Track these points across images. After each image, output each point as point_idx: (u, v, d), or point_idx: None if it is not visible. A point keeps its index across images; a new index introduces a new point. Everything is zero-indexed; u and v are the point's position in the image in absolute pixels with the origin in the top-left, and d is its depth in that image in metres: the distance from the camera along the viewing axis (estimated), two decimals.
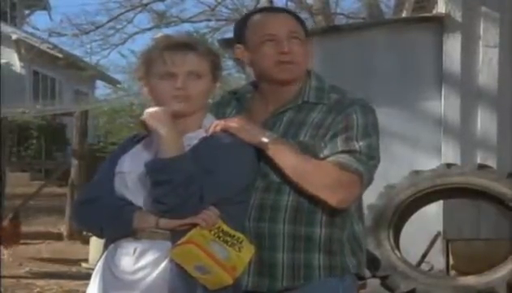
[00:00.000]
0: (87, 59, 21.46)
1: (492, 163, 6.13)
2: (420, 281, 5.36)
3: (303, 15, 14.04)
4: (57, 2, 36.75)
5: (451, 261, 5.75)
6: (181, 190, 2.18)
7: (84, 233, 8.58)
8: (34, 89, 20.69)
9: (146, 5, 18.12)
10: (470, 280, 5.35)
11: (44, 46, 19.93)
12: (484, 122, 6.40)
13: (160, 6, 18.42)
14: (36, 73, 21.00)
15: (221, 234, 2.21)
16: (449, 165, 5.89)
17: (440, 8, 6.72)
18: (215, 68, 2.38)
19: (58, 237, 10.85)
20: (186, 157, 2.23)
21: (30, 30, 22.29)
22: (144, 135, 2.38)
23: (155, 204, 2.22)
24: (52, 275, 7.96)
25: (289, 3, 16.93)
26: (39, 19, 44.82)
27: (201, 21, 18.52)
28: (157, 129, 2.25)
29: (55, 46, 20.39)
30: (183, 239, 2.19)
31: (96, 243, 7.43)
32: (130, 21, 18.38)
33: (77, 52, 20.77)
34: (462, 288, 5.32)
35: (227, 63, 15.76)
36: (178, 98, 2.30)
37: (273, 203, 2.37)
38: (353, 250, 2.44)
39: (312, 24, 15.92)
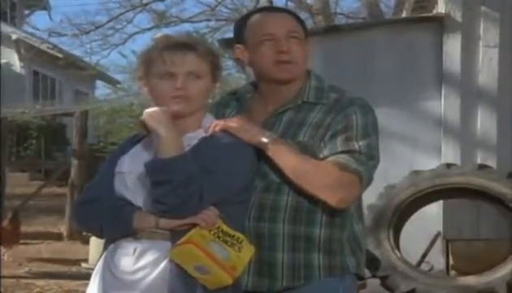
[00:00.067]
0: (87, 59, 21.51)
1: (492, 163, 6.13)
2: (420, 281, 5.36)
3: (303, 15, 14.03)
4: (57, 2, 36.78)
5: (451, 261, 5.75)
6: (181, 190, 2.17)
7: (84, 233, 8.57)
8: (34, 89, 20.69)
9: (146, 5, 18.13)
10: (470, 280, 5.35)
11: (44, 46, 19.92)
12: (484, 122, 6.40)
13: (160, 6, 18.46)
14: (36, 73, 21.00)
15: (221, 234, 2.21)
16: (448, 165, 5.89)
17: (440, 8, 6.72)
18: (215, 68, 2.38)
19: (58, 237, 10.85)
20: (186, 157, 2.22)
21: (30, 30, 22.32)
22: (143, 135, 2.38)
23: (155, 204, 2.22)
24: (52, 275, 7.96)
25: (289, 3, 16.96)
26: (39, 19, 44.88)
27: (201, 21, 18.54)
28: (156, 129, 2.24)
29: (55, 46, 20.38)
30: (182, 239, 2.18)
31: (96, 243, 7.43)
32: (130, 21, 18.41)
33: (77, 52, 20.82)
34: (462, 288, 5.32)
35: (227, 63, 15.78)
36: (177, 99, 2.30)
37: (273, 203, 2.37)
38: (352, 250, 2.44)
39: (312, 23, 15.93)
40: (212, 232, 2.21)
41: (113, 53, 24.09)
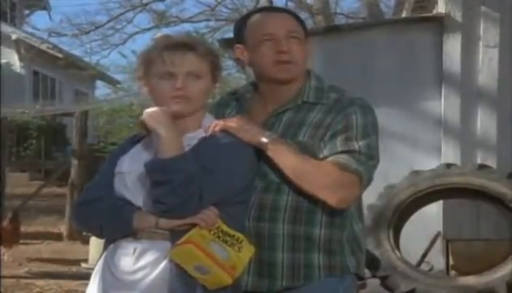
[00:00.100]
0: (87, 59, 21.50)
1: (491, 163, 6.13)
2: (420, 281, 5.36)
3: (303, 15, 14.03)
4: (57, 2, 36.76)
5: (451, 261, 5.75)
6: (181, 190, 2.17)
7: (84, 233, 8.57)
8: (34, 89, 20.69)
9: (146, 5, 18.13)
10: (470, 280, 5.35)
11: (44, 46, 19.92)
12: (484, 122, 6.40)
13: (160, 6, 18.45)
14: (36, 73, 20.99)
15: (220, 234, 2.21)
16: (448, 165, 5.89)
17: (440, 8, 6.72)
18: (215, 68, 2.37)
19: (58, 237, 10.85)
20: (186, 157, 2.22)
21: (30, 30, 22.31)
22: (143, 135, 2.38)
23: (155, 204, 2.22)
24: (52, 275, 7.96)
25: (289, 3, 16.95)
26: (39, 19, 44.90)
27: (200, 21, 18.54)
28: (156, 129, 2.24)
29: (55, 46, 20.38)
30: (182, 239, 2.18)
31: (96, 243, 7.43)
32: (130, 21, 18.41)
33: (77, 52, 20.82)
34: (462, 288, 5.32)
35: (227, 63, 15.79)
36: (177, 99, 2.30)
37: (272, 203, 2.37)
38: (352, 250, 2.44)
39: (312, 23, 15.92)
40: (212, 232, 2.20)
41: (113, 53, 24.14)
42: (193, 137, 2.32)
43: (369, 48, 6.60)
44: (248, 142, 2.33)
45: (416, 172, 5.79)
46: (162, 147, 2.23)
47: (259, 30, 2.45)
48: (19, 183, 14.41)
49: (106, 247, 2.36)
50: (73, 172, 11.09)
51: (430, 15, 7.35)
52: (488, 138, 6.37)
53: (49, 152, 18.63)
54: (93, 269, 2.40)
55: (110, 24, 18.43)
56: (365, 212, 2.62)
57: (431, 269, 5.96)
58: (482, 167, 5.84)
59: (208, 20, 18.61)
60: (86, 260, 8.32)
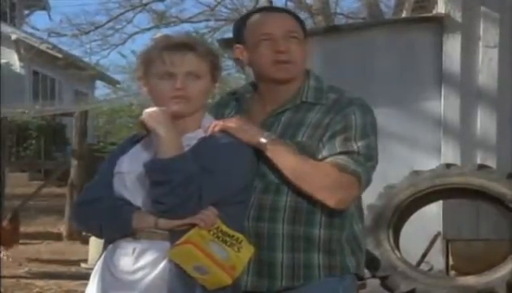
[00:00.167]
0: (86, 59, 21.52)
1: (491, 163, 6.13)
2: (420, 281, 5.36)
3: (303, 15, 14.03)
4: (56, 2, 36.77)
5: (451, 261, 5.74)
6: (180, 190, 2.17)
7: (84, 233, 8.57)
8: (34, 89, 20.68)
9: (146, 5, 18.14)
10: (470, 280, 5.35)
11: (43, 46, 19.91)
12: (484, 122, 6.40)
13: (160, 6, 18.47)
14: (35, 73, 20.99)
15: (220, 234, 2.21)
16: (448, 165, 5.89)
17: (440, 8, 6.72)
18: (214, 68, 2.37)
19: (58, 237, 10.85)
20: (185, 157, 2.22)
21: (30, 30, 22.31)
22: (143, 135, 2.38)
23: (154, 204, 2.22)
24: (51, 275, 7.96)
25: (289, 3, 16.96)
26: (38, 19, 44.93)
27: (200, 21, 18.56)
28: (156, 129, 2.24)
29: (55, 46, 20.38)
30: (181, 239, 2.18)
31: (95, 243, 7.43)
32: (130, 21, 18.43)
33: (77, 52, 20.83)
34: (462, 288, 5.32)
35: (227, 64, 15.80)
36: (177, 99, 2.30)
37: (272, 203, 2.36)
38: (352, 250, 2.44)
39: (312, 24, 15.93)
40: (211, 232, 2.20)
41: (113, 53, 24.17)
42: (192, 138, 2.32)
43: (369, 48, 6.60)
44: (247, 143, 2.33)
45: (416, 173, 5.79)
46: (162, 147, 2.23)
47: (258, 30, 2.45)
48: (18, 183, 14.40)
49: (105, 247, 2.36)
50: (73, 172, 11.09)
51: (430, 15, 7.35)
52: (488, 138, 6.37)
53: (49, 152, 18.62)
54: (92, 269, 2.40)
55: (110, 24, 18.46)
56: (365, 212, 2.61)
57: (430, 269, 5.96)
58: (482, 167, 5.84)
59: (208, 20, 18.64)
60: (86, 260, 8.32)
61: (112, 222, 2.29)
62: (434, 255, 6.04)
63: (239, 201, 2.31)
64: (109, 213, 2.29)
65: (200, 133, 2.34)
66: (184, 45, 2.32)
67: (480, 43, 6.43)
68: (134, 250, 2.26)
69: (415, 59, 6.52)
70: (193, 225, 2.20)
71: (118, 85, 22.94)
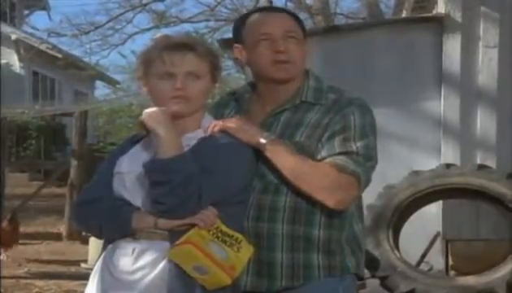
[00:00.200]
0: (86, 60, 21.52)
1: (491, 163, 6.13)
2: (420, 281, 5.36)
3: (302, 16, 14.05)
4: (56, 2, 36.79)
5: (450, 261, 5.74)
6: (180, 191, 2.17)
7: (84, 233, 8.58)
8: (33, 89, 20.68)
9: (146, 5, 18.13)
10: (470, 280, 5.35)
11: (43, 46, 19.91)
12: (484, 122, 6.40)
13: (160, 7, 18.46)
14: (35, 73, 20.99)
15: (219, 235, 2.21)
16: (448, 165, 5.88)
17: (440, 8, 6.71)
18: (214, 69, 2.37)
19: (58, 237, 10.85)
20: (185, 157, 2.22)
21: (29, 30, 22.31)
22: (143, 135, 2.38)
23: (154, 204, 2.21)
24: (51, 275, 7.96)
25: (288, 3, 16.95)
26: (38, 20, 44.92)
27: (200, 21, 18.54)
28: (155, 129, 2.24)
29: (55, 46, 20.37)
30: (181, 239, 2.18)
31: (95, 243, 7.42)
32: (129, 21, 18.41)
33: (77, 52, 20.82)
34: (462, 288, 5.32)
35: (227, 64, 15.79)
36: (177, 99, 2.30)
37: (271, 203, 2.36)
38: (352, 250, 2.44)
39: (311, 24, 15.92)
40: (211, 232, 2.20)
41: (112, 53, 24.16)
42: (192, 138, 2.32)
43: (369, 48, 6.60)
44: (246, 143, 2.33)
45: (416, 173, 5.79)
46: (162, 147, 2.23)
47: (257, 30, 2.45)
48: (18, 183, 14.40)
49: (104, 248, 2.36)
50: (73, 172, 11.09)
51: (430, 15, 7.35)
52: (488, 138, 6.37)
53: (49, 152, 18.62)
54: (92, 270, 2.40)
55: (110, 24, 18.45)
56: (364, 212, 2.61)
57: (430, 269, 5.96)
58: (481, 167, 5.84)
59: (208, 20, 18.63)
60: (85, 261, 8.32)
61: (112, 222, 2.28)
62: (434, 255, 6.04)
63: (238, 201, 2.31)
64: (108, 213, 2.29)
65: (200, 133, 2.34)
66: (184, 46, 2.32)
67: (480, 43, 6.43)
68: (134, 250, 2.26)
69: (415, 59, 6.52)
70: (192, 225, 2.20)
71: (118, 85, 22.94)
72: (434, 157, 6.30)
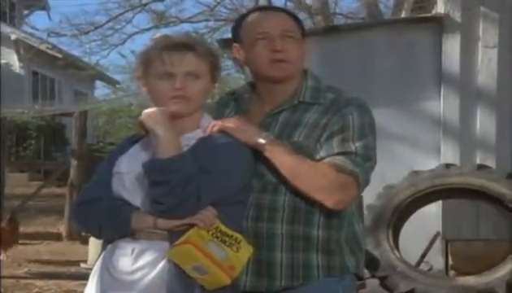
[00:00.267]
0: (86, 60, 21.52)
1: (491, 163, 6.13)
2: (419, 281, 5.36)
3: (302, 16, 14.07)
4: (56, 2, 36.78)
5: (450, 261, 5.74)
6: (179, 190, 2.17)
7: (83, 233, 8.57)
8: (33, 89, 20.68)
9: (145, 5, 18.14)
10: (470, 280, 5.35)
11: (43, 46, 19.90)
12: (483, 122, 6.40)
13: (159, 7, 18.47)
14: (35, 73, 20.98)
15: (219, 235, 2.21)
16: (448, 165, 5.89)
17: (440, 8, 6.72)
18: (214, 69, 2.37)
19: (57, 237, 10.85)
20: (184, 157, 2.22)
21: (29, 30, 22.31)
22: (142, 135, 2.38)
23: (153, 204, 2.22)
24: (51, 275, 7.96)
25: (288, 3, 16.96)
26: (38, 20, 44.94)
27: (200, 21, 18.55)
28: (154, 129, 2.24)
29: (54, 46, 20.37)
30: (181, 240, 2.18)
31: (95, 243, 7.42)
32: (129, 21, 18.44)
33: (76, 52, 20.84)
34: (462, 288, 5.32)
35: (227, 64, 15.80)
36: (176, 99, 2.30)
37: (270, 203, 2.36)
38: (352, 250, 2.44)
39: (311, 24, 15.92)
40: (210, 232, 2.20)
41: (112, 53, 24.16)
42: (191, 138, 2.32)
43: (368, 48, 6.60)
44: (245, 143, 2.32)
45: (415, 173, 5.79)
46: (161, 147, 2.23)
47: (254, 29, 2.45)
48: (18, 183, 14.40)
49: (104, 248, 2.36)
50: (72, 172, 11.08)
51: (429, 15, 7.35)
52: (488, 139, 6.37)
53: (49, 152, 18.62)
54: (92, 270, 2.40)
55: (110, 24, 18.46)
56: (364, 212, 2.61)
57: (430, 269, 5.96)
58: (481, 167, 5.84)
59: (207, 21, 18.64)
60: (85, 261, 8.32)
61: (111, 222, 2.28)
62: (433, 255, 6.05)
63: (237, 201, 2.31)
64: (108, 213, 2.29)
65: (199, 133, 2.34)
66: (184, 46, 2.32)
67: (480, 43, 6.43)
68: (133, 250, 2.26)
69: (415, 60, 6.53)
70: (191, 226, 2.20)
71: (117, 85, 22.94)
72: (434, 157, 6.30)
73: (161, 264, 2.22)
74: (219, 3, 18.15)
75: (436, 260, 6.00)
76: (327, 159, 2.33)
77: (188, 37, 2.47)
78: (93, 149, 16.13)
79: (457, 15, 6.44)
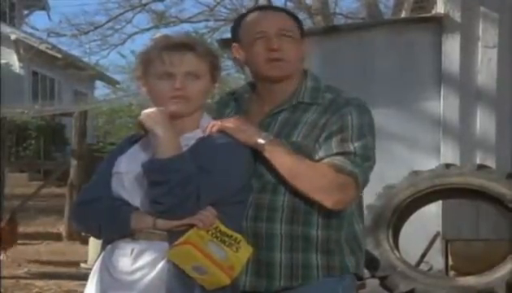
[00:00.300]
0: (86, 60, 21.52)
1: (491, 163, 6.13)
2: (419, 281, 5.36)
3: (302, 16, 14.07)
4: (56, 2, 36.79)
5: (450, 261, 5.75)
6: (178, 190, 2.17)
7: (83, 233, 8.57)
8: (33, 89, 20.68)
9: (145, 5, 18.14)
10: (470, 280, 5.35)
11: (43, 46, 19.90)
12: (483, 122, 6.40)
13: (159, 7, 18.47)
14: (35, 73, 20.98)
15: (218, 235, 2.21)
16: (448, 165, 5.89)
17: (439, 8, 6.72)
18: (214, 69, 2.37)
19: (57, 237, 10.84)
20: (183, 157, 2.22)
21: (29, 30, 22.31)
22: (141, 135, 2.38)
23: (152, 205, 2.21)
24: (51, 275, 7.95)
25: (288, 3, 16.95)
26: (38, 20, 44.94)
27: (200, 21, 18.55)
28: (154, 129, 2.24)
29: (54, 46, 20.37)
30: (180, 240, 2.18)
31: (95, 244, 7.42)
32: (129, 21, 18.43)
33: (76, 52, 20.86)
34: (462, 288, 5.32)
35: (227, 64, 15.80)
36: (176, 99, 2.30)
37: (269, 203, 2.36)
38: (352, 250, 2.44)
39: (311, 24, 15.92)
40: (210, 232, 2.20)
41: (112, 53, 24.15)
42: (190, 138, 2.32)
43: (368, 48, 6.60)
44: (244, 143, 2.32)
45: (415, 173, 5.79)
46: (160, 147, 2.23)
47: (253, 28, 2.44)
48: (18, 183, 14.39)
49: (103, 248, 2.36)
50: (72, 172, 11.08)
51: (429, 15, 7.35)
52: (487, 138, 6.37)
53: (49, 152, 18.62)
54: (92, 270, 2.40)
55: (110, 24, 18.46)
56: (364, 212, 2.61)
57: (430, 269, 5.96)
58: (481, 167, 5.84)
59: (207, 21, 18.63)
60: (85, 261, 8.32)
61: (111, 222, 2.28)
62: (433, 255, 6.05)
63: (237, 201, 2.31)
64: (107, 213, 2.29)
65: (198, 133, 2.34)
66: (184, 46, 2.32)
67: (479, 43, 6.43)
68: (132, 250, 2.26)
69: (414, 60, 6.53)
70: (191, 226, 2.20)
71: (117, 85, 22.94)
72: (434, 157, 6.30)
73: (160, 265, 2.22)
74: (218, 3, 18.15)
75: (436, 260, 6.00)
76: (326, 160, 2.33)
77: (188, 37, 2.48)
78: (93, 149, 16.13)
79: (456, 15, 6.44)
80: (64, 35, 19.17)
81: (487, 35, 6.43)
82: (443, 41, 6.46)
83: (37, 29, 22.71)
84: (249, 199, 2.36)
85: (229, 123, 2.36)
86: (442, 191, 5.73)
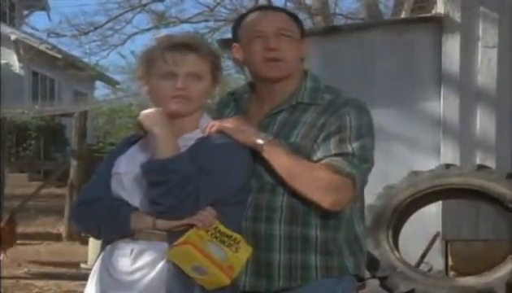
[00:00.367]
0: (86, 60, 21.51)
1: (491, 163, 6.14)
2: (419, 281, 5.36)
3: (302, 16, 14.06)
4: (56, 3, 36.76)
5: (450, 262, 5.75)
6: (177, 191, 2.17)
7: (83, 233, 8.57)
8: (33, 89, 20.68)
9: (145, 5, 18.14)
10: (470, 280, 5.35)
11: (43, 47, 19.90)
12: (483, 123, 6.40)
13: (159, 7, 18.47)
14: (35, 74, 20.98)
15: (218, 235, 2.21)
16: (448, 166, 5.89)
17: (439, 8, 6.72)
18: (215, 69, 2.37)
19: (57, 237, 10.85)
20: (182, 157, 2.22)
21: (29, 30, 22.31)
22: (140, 136, 2.38)
23: (152, 205, 2.21)
24: (51, 276, 7.96)
25: (288, 3, 16.95)
26: (38, 20, 44.89)
27: (200, 22, 18.54)
28: (152, 129, 2.25)
29: (54, 47, 20.36)
30: (180, 240, 2.19)
31: (95, 244, 7.41)
32: (129, 22, 18.42)
33: (76, 52, 20.83)
34: (462, 289, 5.32)
35: (227, 64, 15.79)
36: (177, 98, 2.30)
37: (268, 203, 2.36)
38: (352, 251, 2.43)
39: (311, 24, 15.93)
40: (209, 232, 2.21)
41: (112, 53, 24.17)
42: (190, 138, 2.32)
43: (368, 49, 6.61)
44: (243, 143, 2.32)
45: (415, 173, 5.79)
46: (159, 148, 2.23)
47: (251, 28, 2.44)
48: (18, 184, 14.39)
49: (103, 248, 2.36)
50: (72, 172, 11.08)
51: (429, 15, 7.35)
52: (487, 139, 6.38)
53: (49, 153, 18.62)
54: (91, 270, 2.40)
55: (109, 24, 18.45)
56: (364, 212, 2.61)
57: (430, 270, 5.96)
58: (481, 167, 5.84)
59: (207, 21, 18.63)
60: (85, 261, 8.32)
61: (110, 223, 2.28)
62: (433, 255, 6.05)
63: (236, 201, 2.31)
64: (107, 214, 2.29)
65: (198, 134, 2.34)
66: (186, 46, 2.32)
67: (479, 43, 6.43)
68: (132, 250, 2.26)
69: (414, 60, 6.53)
70: (191, 226, 2.20)
71: (117, 86, 22.95)
72: (434, 157, 6.31)
73: (160, 265, 2.22)
74: (218, 3, 18.15)
75: (436, 260, 6.00)
76: (324, 161, 2.33)
77: (190, 38, 2.47)
78: (93, 149, 16.14)
79: (456, 16, 6.45)
80: (64, 35, 19.19)
81: (487, 35, 6.43)
82: (443, 41, 6.46)
83: (37, 29, 22.75)
84: (248, 200, 2.36)
85: (228, 123, 2.35)
86: (442, 191, 5.73)
